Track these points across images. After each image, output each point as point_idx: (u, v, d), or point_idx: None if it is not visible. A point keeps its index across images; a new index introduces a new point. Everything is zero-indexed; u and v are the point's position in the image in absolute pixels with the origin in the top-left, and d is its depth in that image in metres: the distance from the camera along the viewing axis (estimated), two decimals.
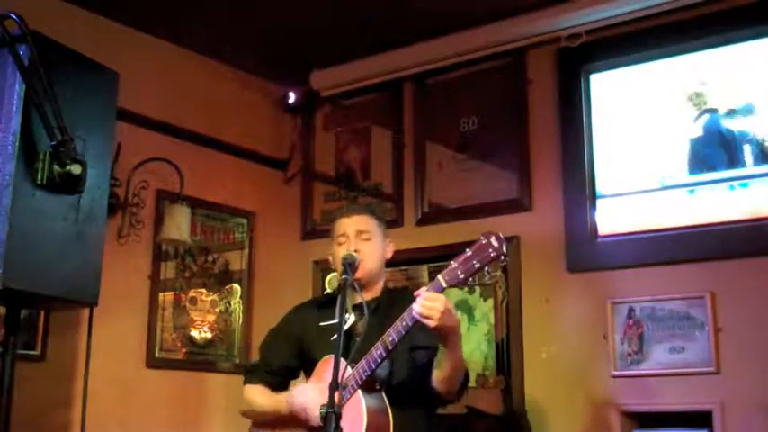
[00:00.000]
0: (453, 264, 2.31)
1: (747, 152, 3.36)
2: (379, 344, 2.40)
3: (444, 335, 2.36)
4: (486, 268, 2.29)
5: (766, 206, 3.27)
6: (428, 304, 2.29)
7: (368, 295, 2.63)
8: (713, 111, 3.46)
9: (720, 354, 3.25)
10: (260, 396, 2.71)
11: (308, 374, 2.69)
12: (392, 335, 2.38)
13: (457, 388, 2.52)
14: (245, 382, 2.79)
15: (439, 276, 2.33)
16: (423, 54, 4.09)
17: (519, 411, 3.64)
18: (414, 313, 2.32)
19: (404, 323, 2.35)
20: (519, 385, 3.68)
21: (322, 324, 2.65)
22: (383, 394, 2.48)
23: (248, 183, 4.46)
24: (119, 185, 3.73)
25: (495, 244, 2.27)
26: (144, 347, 3.86)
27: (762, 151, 3.32)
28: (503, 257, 2.29)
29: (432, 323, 2.29)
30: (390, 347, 2.38)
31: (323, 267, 4.26)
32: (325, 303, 2.80)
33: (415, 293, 2.35)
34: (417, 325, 2.33)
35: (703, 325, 3.30)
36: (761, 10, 3.35)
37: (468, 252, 2.30)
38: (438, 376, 2.49)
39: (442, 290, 2.32)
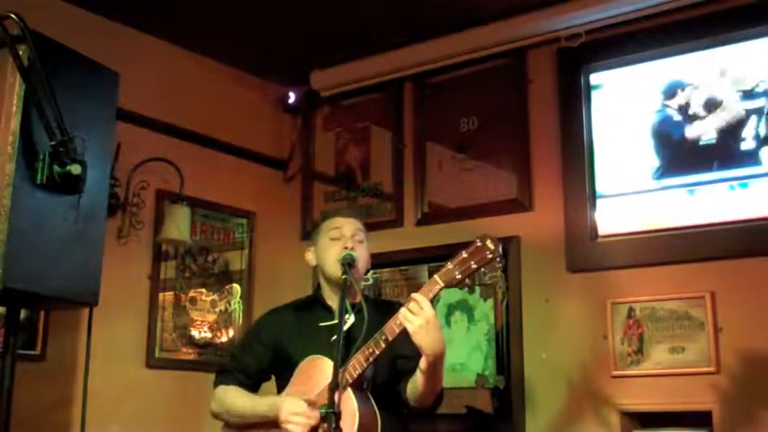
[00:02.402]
0: (450, 264, 2.35)
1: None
2: (371, 343, 2.41)
3: (426, 354, 2.35)
4: (483, 269, 2.33)
5: (766, 206, 3.27)
6: (414, 308, 2.32)
7: (350, 299, 2.61)
8: None
9: (720, 354, 3.25)
10: (240, 398, 2.69)
11: (285, 377, 2.67)
12: (385, 334, 2.39)
13: (428, 405, 2.54)
14: (219, 383, 2.77)
15: (435, 276, 2.37)
16: (423, 54, 4.09)
17: (518, 412, 3.65)
18: (400, 316, 2.35)
19: (397, 322, 2.37)
20: (519, 385, 3.68)
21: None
22: (369, 394, 2.49)
23: (248, 183, 4.46)
24: (119, 185, 3.73)
25: (492, 246, 2.32)
26: (144, 347, 3.85)
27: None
28: (499, 259, 2.33)
29: (411, 327, 2.32)
30: (384, 345, 2.39)
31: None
32: (302, 306, 2.81)
33: (412, 294, 2.37)
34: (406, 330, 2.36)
35: (703, 325, 3.30)
36: (762, 9, 3.35)
37: (465, 254, 2.34)
38: (411, 391, 2.51)
39: (438, 288, 2.35)
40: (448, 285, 2.35)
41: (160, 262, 3.97)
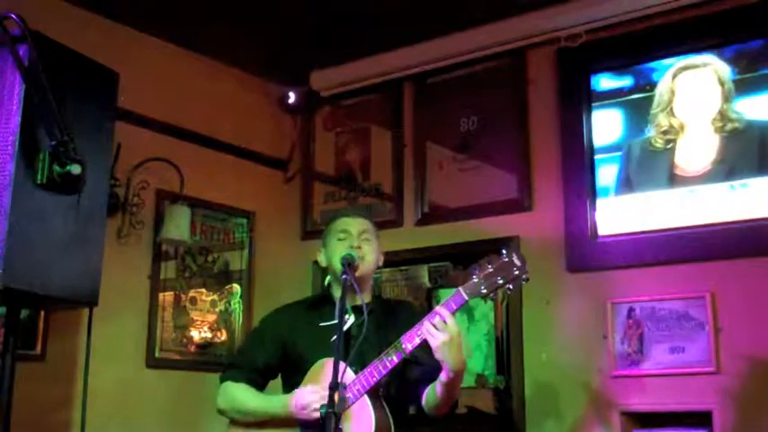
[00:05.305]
0: (475, 278, 2.34)
1: None
2: (391, 350, 2.40)
3: (446, 370, 2.36)
4: (509, 286, 2.31)
5: (766, 206, 3.27)
6: (438, 323, 2.32)
7: (352, 300, 2.62)
8: None
9: (720, 354, 3.25)
10: (249, 396, 2.68)
11: (293, 376, 2.67)
12: (405, 342, 2.39)
13: (443, 414, 2.55)
14: (226, 379, 2.74)
15: (460, 289, 2.36)
16: (423, 54, 4.09)
17: (518, 412, 3.65)
18: (423, 328, 2.35)
19: (417, 333, 2.37)
20: (519, 386, 3.68)
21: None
22: (383, 401, 2.49)
23: (248, 183, 4.45)
24: (119, 185, 3.73)
25: (518, 263, 2.32)
26: (144, 347, 3.85)
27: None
28: (525, 277, 2.32)
29: (434, 342, 2.32)
30: (402, 356, 2.39)
31: (323, 267, 4.26)
32: (313, 304, 2.81)
33: (436, 309, 2.37)
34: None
35: (703, 325, 3.30)
36: (762, 10, 3.34)
37: (491, 268, 2.33)
38: (428, 400, 2.52)
39: (463, 302, 2.35)
40: (472, 298, 2.35)
41: (160, 262, 3.97)
